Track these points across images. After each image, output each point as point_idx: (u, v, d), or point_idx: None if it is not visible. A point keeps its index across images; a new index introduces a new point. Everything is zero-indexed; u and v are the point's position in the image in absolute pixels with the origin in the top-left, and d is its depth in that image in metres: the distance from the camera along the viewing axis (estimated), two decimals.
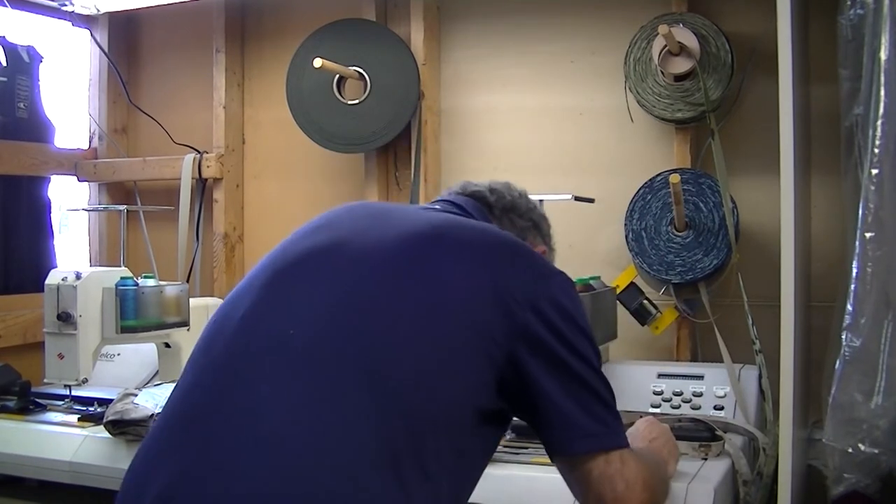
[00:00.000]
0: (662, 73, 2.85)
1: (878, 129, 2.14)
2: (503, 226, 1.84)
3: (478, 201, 1.85)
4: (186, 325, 2.97)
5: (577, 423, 1.49)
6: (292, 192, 3.58)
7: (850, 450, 2.11)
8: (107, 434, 2.50)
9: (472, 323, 1.47)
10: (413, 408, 1.40)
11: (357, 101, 3.24)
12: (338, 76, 3.26)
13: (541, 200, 2.07)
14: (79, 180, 3.77)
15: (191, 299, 3.01)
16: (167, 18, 3.66)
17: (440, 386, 1.43)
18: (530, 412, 1.52)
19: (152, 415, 2.47)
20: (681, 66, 2.81)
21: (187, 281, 3.45)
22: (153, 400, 2.55)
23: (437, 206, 1.82)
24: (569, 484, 1.55)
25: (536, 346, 1.48)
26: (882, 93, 2.14)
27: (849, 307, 2.17)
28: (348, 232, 1.63)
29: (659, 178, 2.82)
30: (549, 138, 3.19)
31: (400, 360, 1.43)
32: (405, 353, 1.43)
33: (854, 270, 2.17)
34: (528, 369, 1.48)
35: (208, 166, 3.54)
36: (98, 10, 3.58)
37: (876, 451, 2.09)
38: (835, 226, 2.65)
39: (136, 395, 2.58)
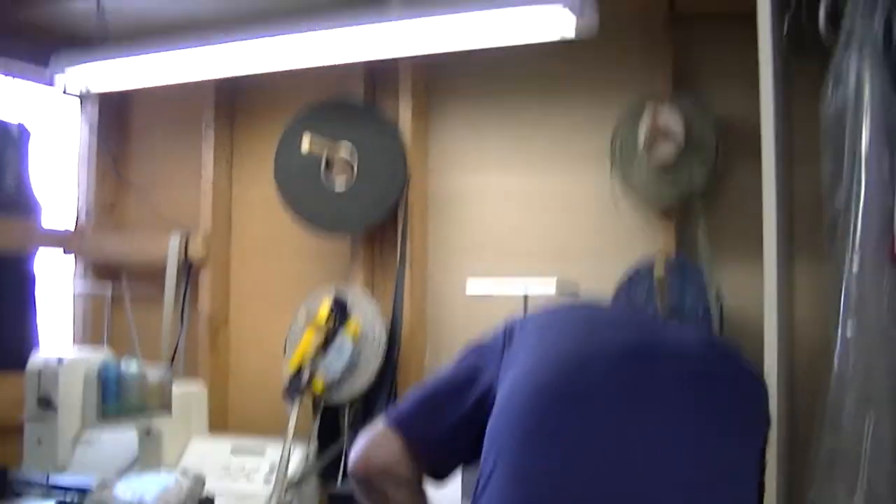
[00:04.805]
0: (647, 157, 2.83)
1: (860, 221, 2.12)
2: None
3: None
4: (169, 412, 2.93)
5: None
6: (277, 273, 3.55)
7: None
8: None
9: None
10: None
11: (345, 185, 3.23)
12: (325, 158, 3.24)
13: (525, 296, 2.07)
14: (65, 252, 3.75)
15: (174, 384, 2.98)
16: (159, 96, 3.64)
17: None
18: None
19: None
20: (666, 150, 2.79)
21: (172, 363, 3.41)
22: (132, 491, 2.52)
23: None
24: None
25: None
26: (863, 184, 2.12)
27: (830, 403, 2.13)
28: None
29: (643, 267, 2.78)
30: (535, 221, 3.17)
31: None
32: None
33: (835, 365, 2.14)
34: None
35: (195, 248, 3.52)
36: (89, 92, 3.55)
37: None
38: (819, 312, 2.60)
39: (114, 486, 2.54)
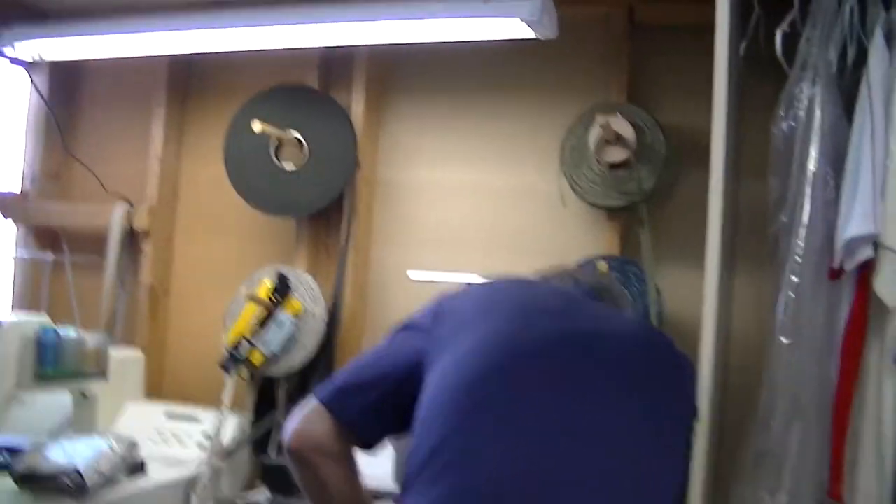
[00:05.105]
0: (598, 160, 2.90)
1: (801, 238, 2.21)
2: None
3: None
4: (105, 377, 2.93)
5: None
6: (221, 249, 3.56)
7: None
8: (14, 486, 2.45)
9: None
10: None
11: (294, 168, 3.26)
12: (276, 141, 3.27)
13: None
14: (4, 217, 3.71)
15: (111, 351, 2.99)
16: (111, 69, 3.64)
17: None
18: None
19: (63, 469, 2.43)
20: (616, 155, 2.87)
21: (109, 331, 3.40)
22: (65, 454, 2.51)
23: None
24: None
25: None
26: (807, 203, 2.21)
27: (762, 408, 2.22)
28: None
29: (587, 265, 2.86)
30: (482, 216, 3.22)
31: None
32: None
33: (770, 373, 2.23)
34: None
35: (139, 218, 3.51)
36: (41, 59, 3.51)
37: None
38: (755, 319, 2.70)
39: (47, 449, 2.53)
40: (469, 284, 1.89)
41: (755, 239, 2.63)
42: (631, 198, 2.89)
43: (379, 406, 1.73)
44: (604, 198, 2.93)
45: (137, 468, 2.72)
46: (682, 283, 2.88)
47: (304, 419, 1.73)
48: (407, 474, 1.64)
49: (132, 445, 2.71)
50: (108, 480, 2.55)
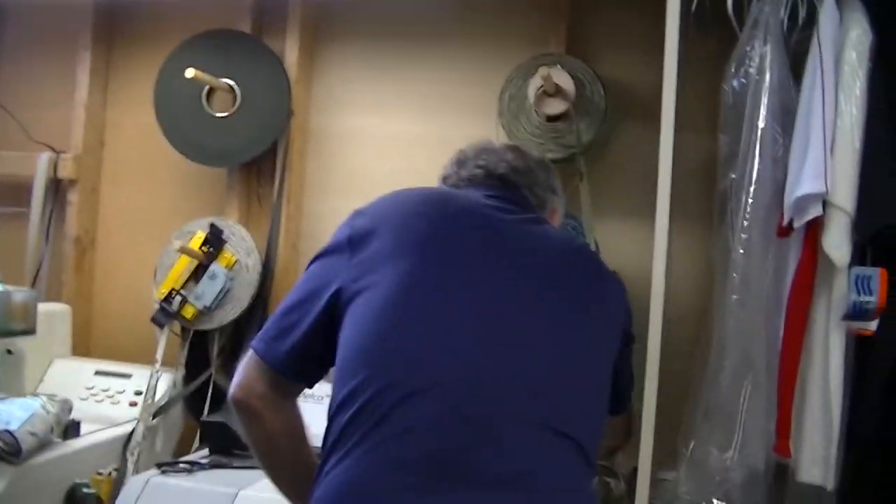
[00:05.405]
0: (536, 112, 2.89)
1: (751, 196, 2.22)
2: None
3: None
4: (33, 333, 2.85)
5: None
6: (150, 200, 3.47)
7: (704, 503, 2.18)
8: None
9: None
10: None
11: (225, 115, 3.18)
12: (207, 87, 3.19)
13: None
14: None
15: (38, 305, 2.90)
16: (33, 12, 3.49)
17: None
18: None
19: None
20: (556, 107, 2.86)
21: (33, 285, 3.32)
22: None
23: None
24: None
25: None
26: (757, 160, 2.22)
27: (711, 364, 2.24)
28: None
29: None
30: (417, 166, 3.14)
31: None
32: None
33: (718, 330, 2.24)
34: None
35: (64, 167, 3.40)
36: None
37: None
38: (693, 272, 2.73)
39: None
40: (380, 198, 1.85)
41: (692, 194, 2.64)
42: (569, 150, 2.87)
43: (306, 342, 1.69)
44: (542, 150, 2.88)
45: (72, 429, 2.67)
46: (618, 235, 2.89)
47: (242, 369, 1.72)
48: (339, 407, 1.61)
49: (66, 405, 2.65)
50: (43, 442, 2.50)
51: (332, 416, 1.60)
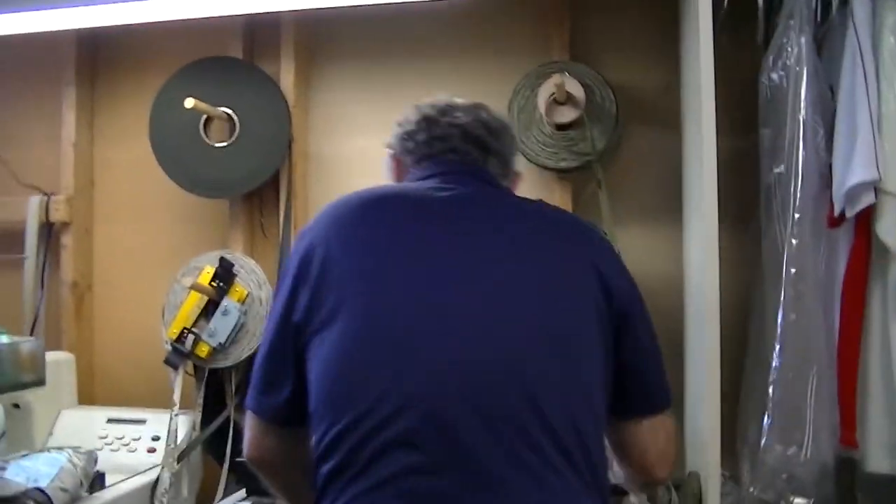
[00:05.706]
0: (546, 122, 2.83)
1: (799, 188, 2.19)
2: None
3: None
4: (42, 384, 2.74)
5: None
6: (147, 237, 3.35)
7: (780, 502, 2.14)
8: None
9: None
10: None
11: (224, 144, 3.08)
12: (205, 117, 3.09)
13: None
14: None
15: None
16: (12, 49, 3.35)
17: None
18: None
19: (25, 490, 2.27)
20: (567, 115, 2.81)
21: (31, 334, 3.20)
22: (25, 474, 2.35)
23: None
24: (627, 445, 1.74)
25: None
26: (801, 152, 2.19)
27: (774, 362, 2.20)
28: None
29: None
30: None
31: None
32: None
33: (778, 328, 2.21)
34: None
35: (57, 209, 3.27)
36: None
37: (804, 501, 2.12)
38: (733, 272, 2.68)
39: (4, 470, 2.37)
40: (321, 212, 1.76)
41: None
42: (584, 158, 2.83)
43: (294, 390, 1.65)
44: (555, 159, 2.86)
45: (97, 481, 2.56)
46: (636, 241, 2.84)
47: (248, 428, 1.73)
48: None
49: (91, 457, 2.55)
50: (74, 497, 2.40)
51: (315, 464, 1.58)
